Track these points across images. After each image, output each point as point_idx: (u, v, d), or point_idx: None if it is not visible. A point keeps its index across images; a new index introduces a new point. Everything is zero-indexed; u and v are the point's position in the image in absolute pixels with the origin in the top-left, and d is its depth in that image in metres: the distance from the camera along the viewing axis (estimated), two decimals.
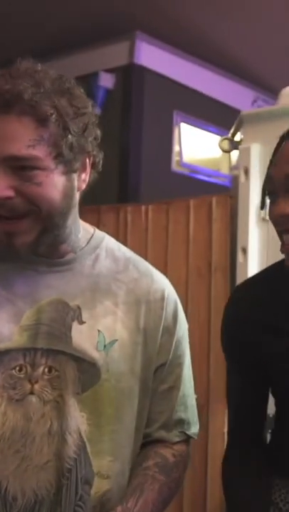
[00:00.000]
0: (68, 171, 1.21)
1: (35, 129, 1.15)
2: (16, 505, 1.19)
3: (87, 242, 1.34)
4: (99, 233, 1.38)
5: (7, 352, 1.22)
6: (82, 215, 1.35)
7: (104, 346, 1.27)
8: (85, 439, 1.24)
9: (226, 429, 3.11)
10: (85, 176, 1.27)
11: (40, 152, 1.15)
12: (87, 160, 1.26)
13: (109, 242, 1.39)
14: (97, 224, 1.37)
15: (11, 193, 1.16)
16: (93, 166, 1.28)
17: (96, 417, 1.25)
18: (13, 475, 1.20)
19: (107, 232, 1.41)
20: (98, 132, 1.26)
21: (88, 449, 1.24)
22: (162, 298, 1.36)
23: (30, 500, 1.20)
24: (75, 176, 1.24)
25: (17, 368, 1.21)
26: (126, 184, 4.67)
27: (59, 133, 1.17)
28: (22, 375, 1.21)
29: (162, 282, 1.40)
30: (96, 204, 3.43)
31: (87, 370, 1.25)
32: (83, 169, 1.26)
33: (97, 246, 1.35)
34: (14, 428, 1.20)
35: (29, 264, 1.27)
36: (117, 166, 4.62)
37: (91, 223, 1.40)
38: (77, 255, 1.32)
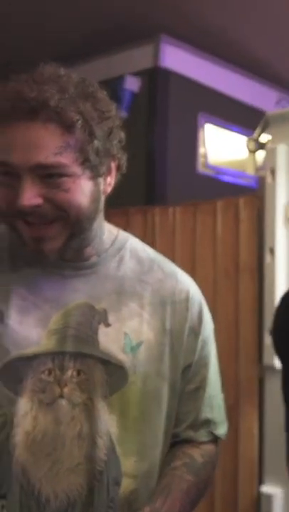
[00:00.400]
0: (95, 176, 1.20)
1: (62, 136, 1.14)
2: (49, 506, 1.20)
3: (111, 244, 1.33)
4: (123, 234, 1.38)
5: (36, 356, 1.22)
6: (111, 218, 1.34)
7: (131, 348, 1.26)
8: (114, 441, 1.24)
9: (256, 431, 3.10)
10: (111, 180, 1.26)
11: (67, 159, 1.14)
12: (113, 163, 1.25)
13: (134, 242, 1.38)
14: (126, 226, 1.36)
15: (39, 200, 1.15)
16: (118, 168, 1.28)
17: (124, 419, 1.25)
18: (45, 478, 1.20)
19: (135, 235, 1.41)
20: (122, 135, 1.25)
21: (117, 451, 1.24)
22: (187, 298, 1.35)
23: (62, 502, 1.20)
24: (101, 180, 1.23)
25: (46, 372, 1.21)
26: (152, 186, 4.67)
27: (85, 138, 1.16)
28: (51, 379, 1.21)
29: (187, 283, 1.39)
30: (123, 207, 3.42)
31: (114, 373, 1.25)
32: (109, 173, 1.25)
33: (121, 247, 1.34)
34: (45, 431, 1.20)
35: (55, 268, 1.27)
36: (143, 168, 4.62)
37: (119, 226, 1.39)
38: (102, 258, 1.31)
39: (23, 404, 1.20)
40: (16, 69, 1.20)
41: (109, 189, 1.27)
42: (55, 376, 1.21)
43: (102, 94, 1.22)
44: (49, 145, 1.13)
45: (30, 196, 1.14)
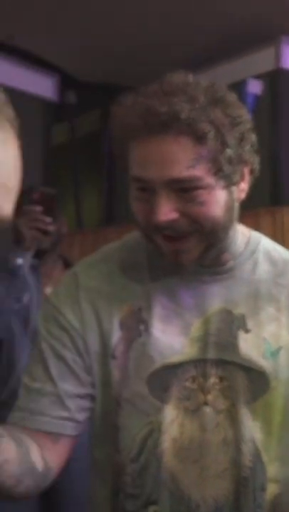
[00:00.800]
0: (229, 185, 1.15)
1: (194, 148, 1.10)
2: (199, 511, 1.19)
3: (245, 247, 1.28)
4: (255, 236, 1.33)
5: (181, 364, 1.20)
6: (241, 220, 1.29)
7: (271, 354, 1.22)
8: (260, 448, 1.21)
9: None
10: (244, 186, 1.21)
11: (200, 171, 1.10)
12: (246, 169, 1.19)
13: (265, 243, 1.33)
14: (255, 227, 1.32)
15: (175, 215, 1.12)
16: (251, 173, 1.22)
17: (267, 425, 1.22)
18: (194, 484, 1.19)
19: (265, 235, 1.36)
20: (254, 138, 1.19)
21: (262, 457, 1.21)
22: None
23: (211, 507, 1.19)
24: (234, 188, 1.18)
25: (190, 380, 1.19)
26: (278, 187, 4.58)
27: (217, 148, 1.11)
28: (195, 387, 1.19)
29: None
30: (251, 208, 3.37)
31: (256, 379, 1.21)
32: (242, 179, 1.19)
33: (255, 249, 1.29)
34: (191, 438, 1.19)
35: (193, 275, 1.24)
36: (268, 169, 4.54)
37: (249, 227, 1.35)
38: (237, 262, 1.27)
39: (170, 412, 1.19)
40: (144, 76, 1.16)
41: (243, 195, 1.22)
42: (199, 383, 1.19)
43: (232, 98, 1.16)
44: (182, 159, 1.10)
45: (166, 211, 1.12)
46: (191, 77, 1.15)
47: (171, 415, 1.19)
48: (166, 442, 1.19)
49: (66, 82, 4.76)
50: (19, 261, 2.42)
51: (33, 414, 1.20)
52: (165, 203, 1.11)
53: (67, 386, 1.22)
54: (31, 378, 1.24)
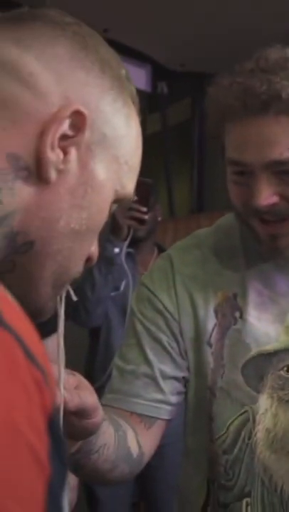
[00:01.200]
0: None
1: None
2: None
3: None
4: None
5: (276, 353, 1.15)
6: None
7: None
8: None
9: None
10: None
11: None
12: None
13: None
14: None
15: (275, 199, 1.07)
16: None
17: None
18: (287, 475, 1.14)
19: None
20: None
21: None
22: None
23: None
24: None
25: (285, 369, 1.15)
26: None
27: None
28: None
29: None
30: None
31: None
32: None
33: None
34: (286, 429, 1.14)
35: (288, 261, 1.18)
36: None
37: None
38: None
39: (264, 401, 1.15)
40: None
41: None
42: None
43: None
44: (283, 140, 1.04)
45: (267, 195, 1.06)
46: (288, 52, 1.08)
47: (264, 405, 1.15)
48: (260, 433, 1.15)
49: (157, 72, 4.73)
50: (116, 250, 2.44)
51: (128, 396, 1.19)
52: (266, 187, 1.06)
53: (164, 367, 1.20)
54: (125, 360, 1.22)
